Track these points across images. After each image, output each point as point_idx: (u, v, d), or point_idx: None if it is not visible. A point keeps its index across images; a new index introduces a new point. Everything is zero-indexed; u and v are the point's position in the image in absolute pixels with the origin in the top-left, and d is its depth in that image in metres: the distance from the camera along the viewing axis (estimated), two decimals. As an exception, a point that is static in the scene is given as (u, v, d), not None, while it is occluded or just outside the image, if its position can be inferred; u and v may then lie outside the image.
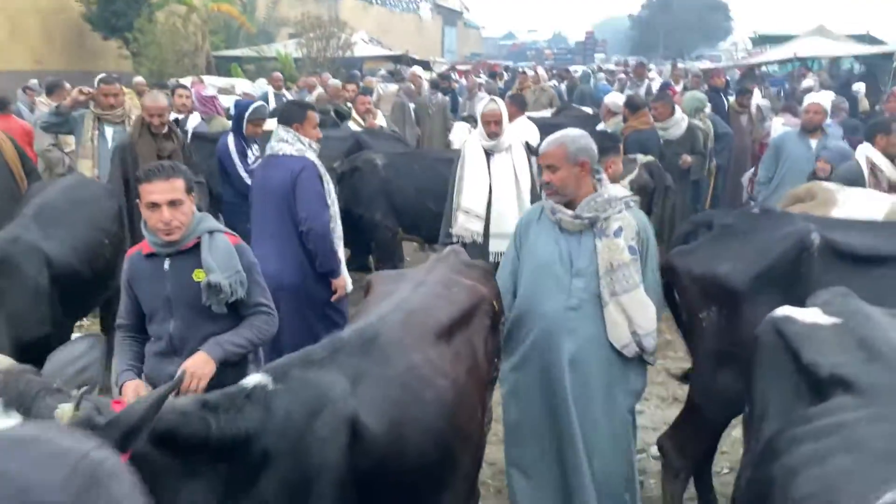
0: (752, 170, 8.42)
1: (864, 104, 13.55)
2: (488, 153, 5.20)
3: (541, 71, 16.85)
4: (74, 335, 3.89)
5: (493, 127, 5.12)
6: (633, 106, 7.23)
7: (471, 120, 8.98)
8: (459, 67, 23.62)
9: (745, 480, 2.17)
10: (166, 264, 2.87)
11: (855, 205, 3.68)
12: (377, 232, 6.69)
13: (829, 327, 2.30)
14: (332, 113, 8.44)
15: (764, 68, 23.54)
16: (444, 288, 2.66)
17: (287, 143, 4.32)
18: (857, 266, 2.98)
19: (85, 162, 5.89)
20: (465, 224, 5.23)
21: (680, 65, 23.02)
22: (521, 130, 7.84)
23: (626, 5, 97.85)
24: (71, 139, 6.62)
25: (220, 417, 1.70)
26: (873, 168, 5.16)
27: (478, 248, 5.18)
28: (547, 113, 11.83)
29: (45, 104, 7.85)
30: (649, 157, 6.26)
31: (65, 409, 1.43)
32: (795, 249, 3.06)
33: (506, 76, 20.23)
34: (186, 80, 11.58)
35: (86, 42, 20.15)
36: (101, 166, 5.83)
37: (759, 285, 3.08)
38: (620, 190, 3.37)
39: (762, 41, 30.02)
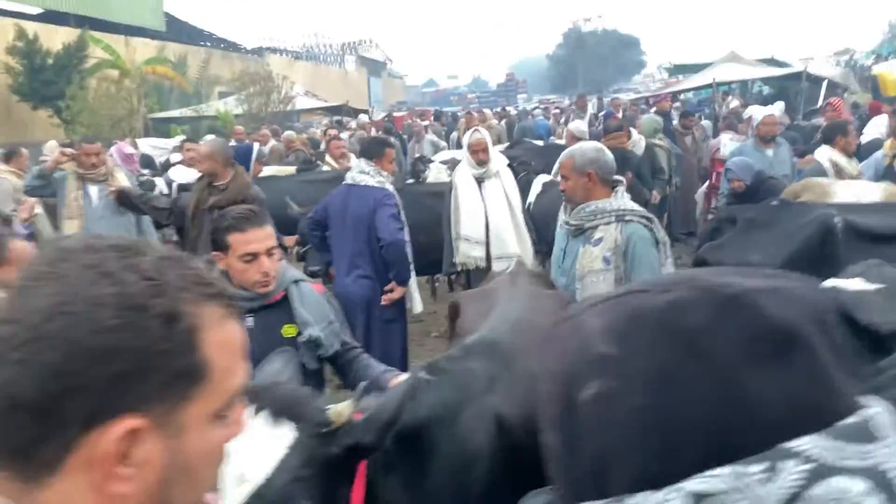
0: (706, 185, 8.91)
1: (785, 119, 14.56)
2: (479, 180, 5.38)
3: (487, 111, 17.42)
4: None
5: (480, 155, 5.36)
6: (608, 128, 7.58)
7: (425, 160, 9.24)
8: (396, 115, 24.24)
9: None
10: (250, 322, 2.56)
11: (850, 195, 3.98)
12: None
13: (874, 292, 2.48)
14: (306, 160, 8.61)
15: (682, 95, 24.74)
16: (533, 298, 2.76)
17: (369, 175, 4.82)
18: (876, 244, 3.23)
19: (71, 222, 5.78)
20: (468, 251, 5.41)
21: (605, 98, 24.20)
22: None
23: (540, 46, 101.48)
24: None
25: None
26: (836, 167, 5.55)
27: (482, 273, 5.31)
28: (500, 147, 12.28)
29: (5, 171, 7.64)
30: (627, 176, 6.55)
31: (342, 409, 1.50)
32: (820, 233, 3.28)
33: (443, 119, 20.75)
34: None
35: (13, 113, 19.63)
36: (88, 226, 5.73)
37: (789, 270, 3.29)
38: (627, 203, 3.51)
39: (677, 71, 31.64)
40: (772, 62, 25.03)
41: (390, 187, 4.93)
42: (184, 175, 7.90)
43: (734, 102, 17.22)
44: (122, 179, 6.34)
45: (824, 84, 20.06)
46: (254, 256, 2.52)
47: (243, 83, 18.91)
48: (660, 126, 8.66)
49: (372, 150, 5.04)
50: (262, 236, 2.53)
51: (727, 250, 3.56)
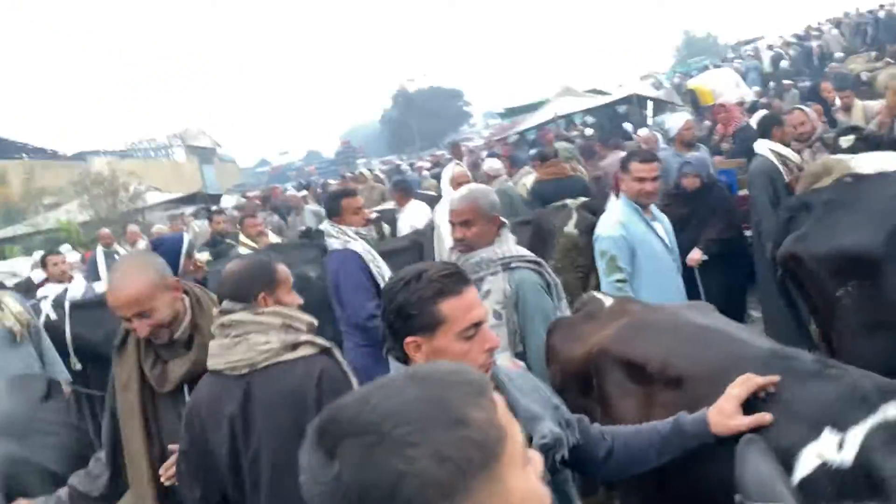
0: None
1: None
2: None
3: (365, 171, 17.30)
4: None
5: None
6: (543, 157, 7.39)
7: (312, 232, 8.63)
8: (250, 195, 23.36)
9: None
10: None
11: (874, 168, 3.86)
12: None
13: None
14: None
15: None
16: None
17: (333, 237, 4.46)
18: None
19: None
20: None
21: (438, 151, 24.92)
22: (413, 213, 7.73)
23: (369, 112, 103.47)
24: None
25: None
26: (780, 157, 5.57)
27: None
28: (390, 205, 11.90)
29: None
30: (581, 199, 6.30)
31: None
32: None
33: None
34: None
35: None
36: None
37: (893, 244, 3.06)
38: (512, 248, 3.31)
39: (511, 113, 33.06)
40: (597, 92, 26.76)
41: (357, 245, 4.49)
42: (55, 291, 6.72)
43: (589, 130, 18.14)
44: (11, 305, 5.24)
45: (650, 104, 21.66)
46: (477, 327, 1.82)
47: (83, 187, 17.17)
48: (573, 153, 8.67)
49: (329, 209, 4.71)
50: (477, 299, 1.88)
51: (814, 238, 3.30)
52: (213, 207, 14.28)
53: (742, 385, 1.77)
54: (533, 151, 9.23)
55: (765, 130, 5.78)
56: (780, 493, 1.33)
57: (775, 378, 1.74)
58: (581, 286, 5.26)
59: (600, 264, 4.15)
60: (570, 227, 5.65)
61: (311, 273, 6.01)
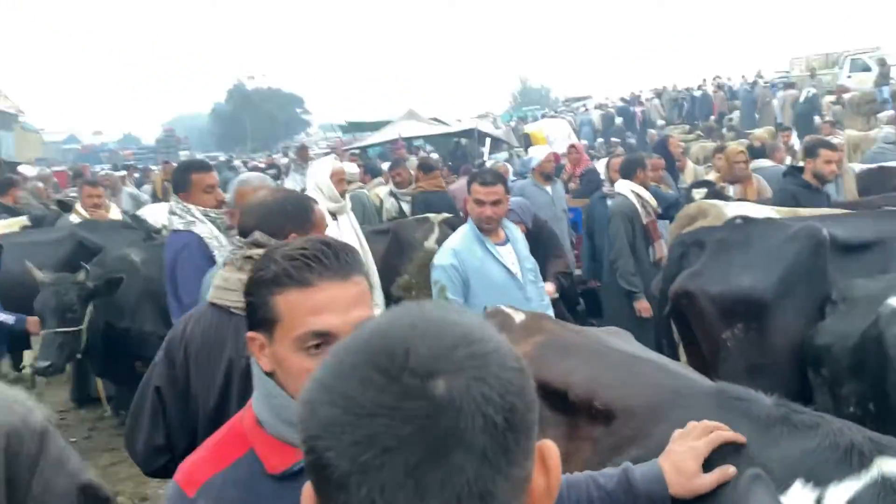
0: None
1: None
2: (334, 215, 4.55)
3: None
4: None
5: (344, 185, 4.78)
6: (426, 168, 7.13)
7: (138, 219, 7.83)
8: (55, 169, 21.24)
9: None
10: None
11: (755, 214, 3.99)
12: (146, 347, 5.19)
13: None
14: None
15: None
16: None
17: (176, 215, 3.77)
18: (847, 254, 3.21)
19: None
20: None
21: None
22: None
23: (197, 104, 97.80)
24: None
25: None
26: (640, 198, 5.75)
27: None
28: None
29: None
30: (444, 215, 6.12)
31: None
32: (810, 246, 3.18)
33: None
34: None
35: None
36: None
37: (783, 289, 3.11)
38: None
39: (353, 128, 32.85)
40: (438, 121, 27.41)
41: (204, 228, 3.86)
42: None
43: (434, 155, 18.32)
44: None
45: (488, 141, 22.50)
46: (324, 340, 1.31)
47: None
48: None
49: (176, 182, 4.05)
50: (345, 300, 1.37)
51: (710, 275, 3.26)
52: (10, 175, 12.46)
53: (705, 438, 1.47)
54: (388, 163, 8.91)
55: (628, 172, 5.87)
56: None
57: (742, 438, 1.47)
58: (437, 303, 5.04)
59: (433, 293, 3.88)
60: (431, 242, 5.43)
61: (135, 257, 5.24)
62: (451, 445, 0.60)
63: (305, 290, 1.30)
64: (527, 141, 22.98)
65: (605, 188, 6.41)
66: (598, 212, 6.10)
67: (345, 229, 4.56)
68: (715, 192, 5.35)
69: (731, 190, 6.18)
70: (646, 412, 1.71)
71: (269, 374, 1.36)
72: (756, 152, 8.29)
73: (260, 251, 1.97)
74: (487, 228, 3.87)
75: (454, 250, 3.86)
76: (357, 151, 23.73)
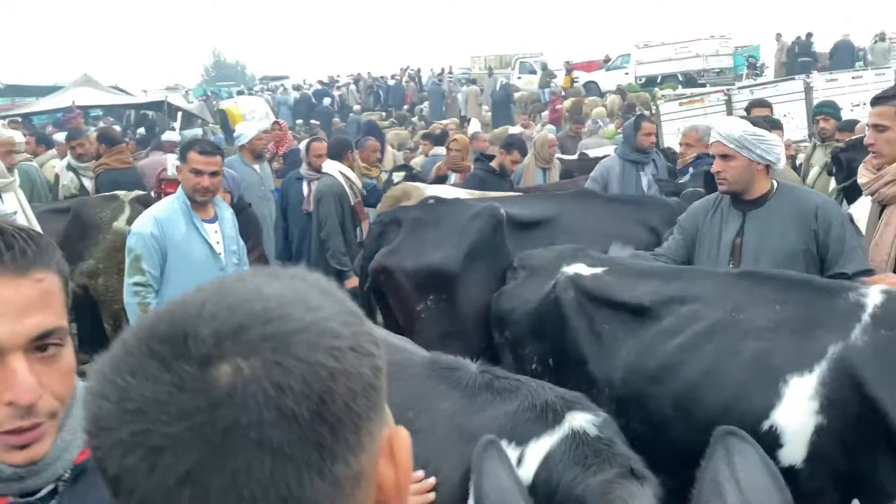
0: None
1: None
2: None
3: None
4: None
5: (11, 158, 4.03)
6: (109, 140, 6.33)
7: None
8: None
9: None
10: None
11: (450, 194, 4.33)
12: None
13: (604, 274, 2.85)
14: None
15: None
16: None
17: None
18: (523, 230, 3.67)
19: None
20: None
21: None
22: None
23: None
24: None
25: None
26: (348, 180, 5.93)
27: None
28: None
29: None
30: (136, 193, 5.69)
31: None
32: (491, 224, 3.52)
33: None
34: None
35: None
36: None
37: (469, 262, 3.44)
38: None
39: (14, 92, 28.60)
40: (119, 90, 25.16)
41: None
42: None
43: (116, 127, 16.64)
44: None
45: (179, 115, 21.36)
46: None
47: None
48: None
49: None
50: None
51: (405, 251, 3.47)
52: None
53: None
54: (62, 134, 7.85)
55: (336, 153, 5.96)
56: None
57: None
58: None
59: (126, 262, 3.70)
60: (121, 223, 4.98)
61: None
62: (234, 444, 0.52)
63: None
64: (222, 117, 22.12)
65: (303, 169, 6.43)
66: (293, 192, 6.08)
67: (11, 208, 3.99)
68: (412, 176, 5.72)
69: (452, 178, 6.66)
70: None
71: None
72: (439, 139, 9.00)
73: None
74: (202, 201, 3.73)
75: (156, 219, 3.67)
76: (19, 119, 20.68)
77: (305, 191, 5.72)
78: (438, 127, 11.30)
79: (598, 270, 2.84)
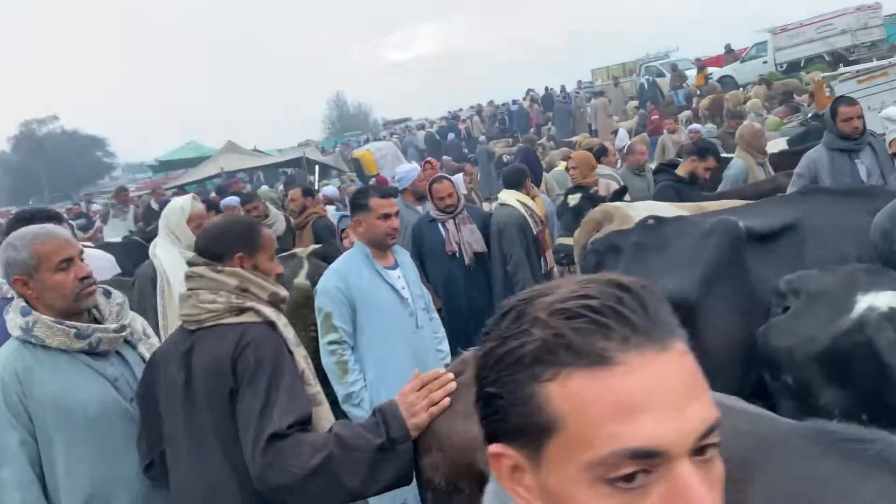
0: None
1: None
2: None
3: None
4: None
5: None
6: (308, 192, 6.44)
7: None
8: None
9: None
10: None
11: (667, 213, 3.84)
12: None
13: None
14: None
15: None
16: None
17: None
18: (762, 244, 3.11)
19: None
20: None
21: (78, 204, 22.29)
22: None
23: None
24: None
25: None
26: (528, 209, 5.54)
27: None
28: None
29: None
30: (312, 247, 5.61)
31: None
32: (729, 241, 3.01)
33: None
34: None
35: None
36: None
37: (708, 288, 2.93)
38: None
39: (165, 167, 30.95)
40: (259, 152, 26.55)
41: None
42: None
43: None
44: None
45: (317, 168, 22.18)
46: None
47: None
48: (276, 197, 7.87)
49: None
50: None
51: None
52: None
53: None
54: (231, 198, 8.02)
55: (514, 182, 5.62)
56: None
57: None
58: (316, 347, 4.51)
59: (318, 322, 3.59)
60: (302, 279, 4.85)
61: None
62: None
63: (602, 371, 0.72)
64: (357, 165, 22.77)
65: (433, 211, 6.02)
66: (429, 235, 5.41)
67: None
68: (590, 197, 5.26)
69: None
70: (733, 470, 1.33)
71: None
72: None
73: (192, 270, 2.19)
74: (391, 244, 3.65)
75: (338, 271, 3.59)
76: (174, 190, 22.19)
77: (443, 232, 5.17)
78: (590, 143, 10.69)
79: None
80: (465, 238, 5.11)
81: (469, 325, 4.92)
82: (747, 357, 2.79)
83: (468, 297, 5.04)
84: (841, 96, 5.21)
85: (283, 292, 2.28)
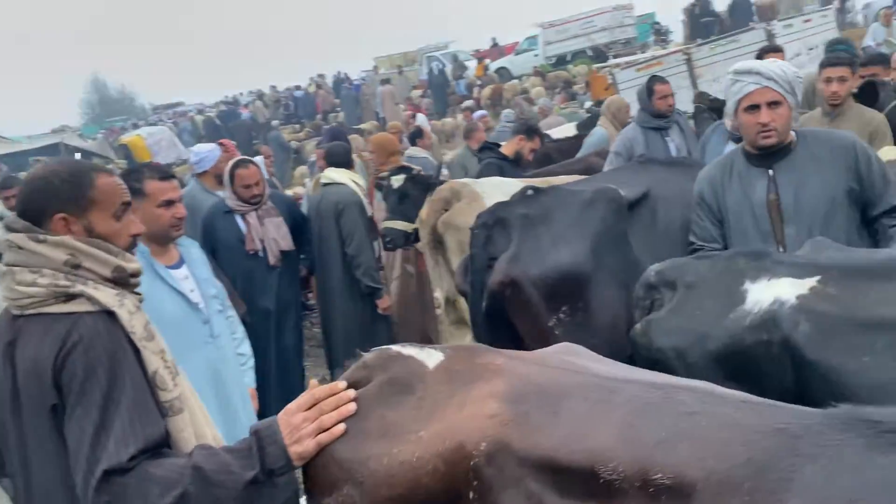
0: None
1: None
2: None
3: None
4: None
5: None
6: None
7: None
8: None
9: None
10: None
11: (496, 193, 3.65)
12: None
13: (824, 287, 2.10)
14: None
15: None
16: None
17: None
18: (630, 211, 3.05)
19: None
20: None
21: None
22: None
23: None
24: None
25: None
26: (360, 188, 5.25)
27: None
28: None
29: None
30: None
31: None
32: (613, 209, 2.94)
33: None
34: None
35: None
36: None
37: (597, 259, 2.81)
38: None
39: None
40: (4, 139, 23.87)
41: None
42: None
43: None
44: None
45: (78, 156, 20.36)
46: None
47: None
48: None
49: None
50: None
51: (526, 258, 2.81)
52: None
53: None
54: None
55: (342, 161, 5.22)
56: None
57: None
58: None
59: None
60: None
61: None
62: None
63: None
64: (126, 152, 20.85)
65: (231, 201, 5.26)
66: (222, 227, 4.56)
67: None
68: (413, 178, 4.98)
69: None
70: (754, 475, 1.09)
71: None
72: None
73: (7, 238, 1.69)
74: (176, 236, 2.98)
75: None
76: None
77: (242, 225, 4.37)
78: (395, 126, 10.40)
79: (815, 284, 2.02)
80: (270, 234, 4.37)
81: (274, 331, 4.38)
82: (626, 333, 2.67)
83: (276, 300, 4.38)
84: (654, 76, 5.47)
85: (133, 264, 1.76)
